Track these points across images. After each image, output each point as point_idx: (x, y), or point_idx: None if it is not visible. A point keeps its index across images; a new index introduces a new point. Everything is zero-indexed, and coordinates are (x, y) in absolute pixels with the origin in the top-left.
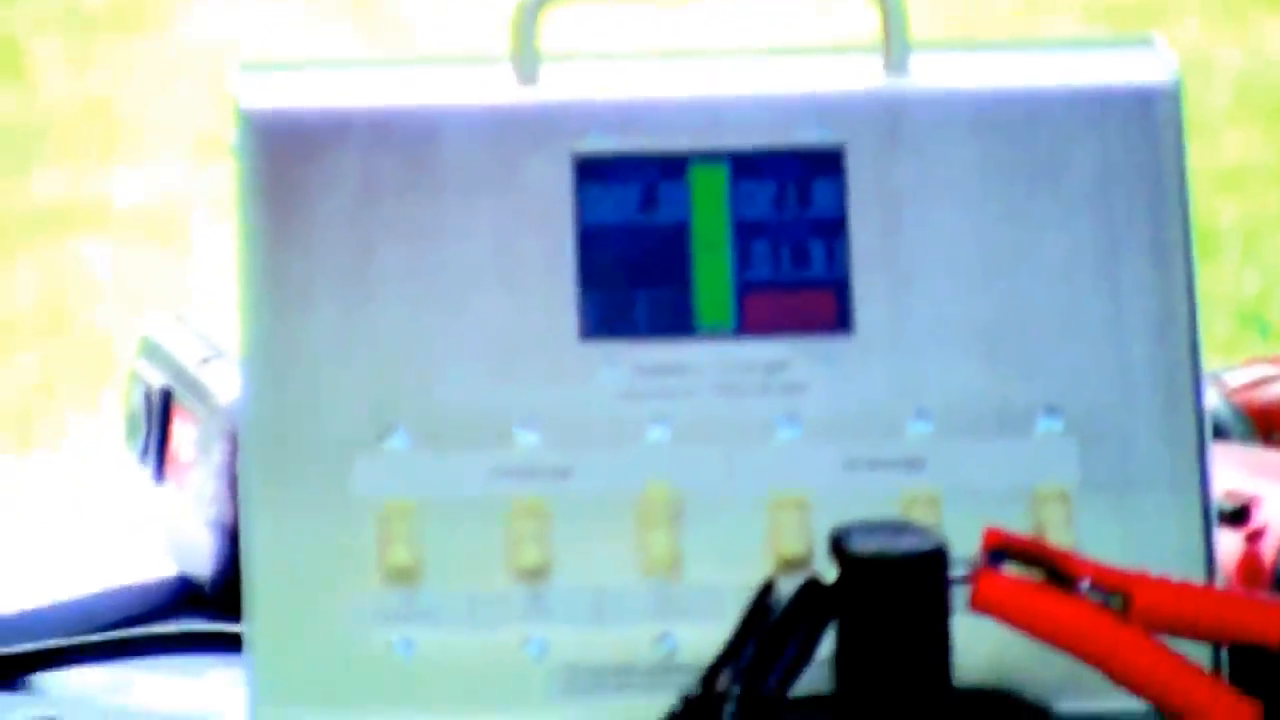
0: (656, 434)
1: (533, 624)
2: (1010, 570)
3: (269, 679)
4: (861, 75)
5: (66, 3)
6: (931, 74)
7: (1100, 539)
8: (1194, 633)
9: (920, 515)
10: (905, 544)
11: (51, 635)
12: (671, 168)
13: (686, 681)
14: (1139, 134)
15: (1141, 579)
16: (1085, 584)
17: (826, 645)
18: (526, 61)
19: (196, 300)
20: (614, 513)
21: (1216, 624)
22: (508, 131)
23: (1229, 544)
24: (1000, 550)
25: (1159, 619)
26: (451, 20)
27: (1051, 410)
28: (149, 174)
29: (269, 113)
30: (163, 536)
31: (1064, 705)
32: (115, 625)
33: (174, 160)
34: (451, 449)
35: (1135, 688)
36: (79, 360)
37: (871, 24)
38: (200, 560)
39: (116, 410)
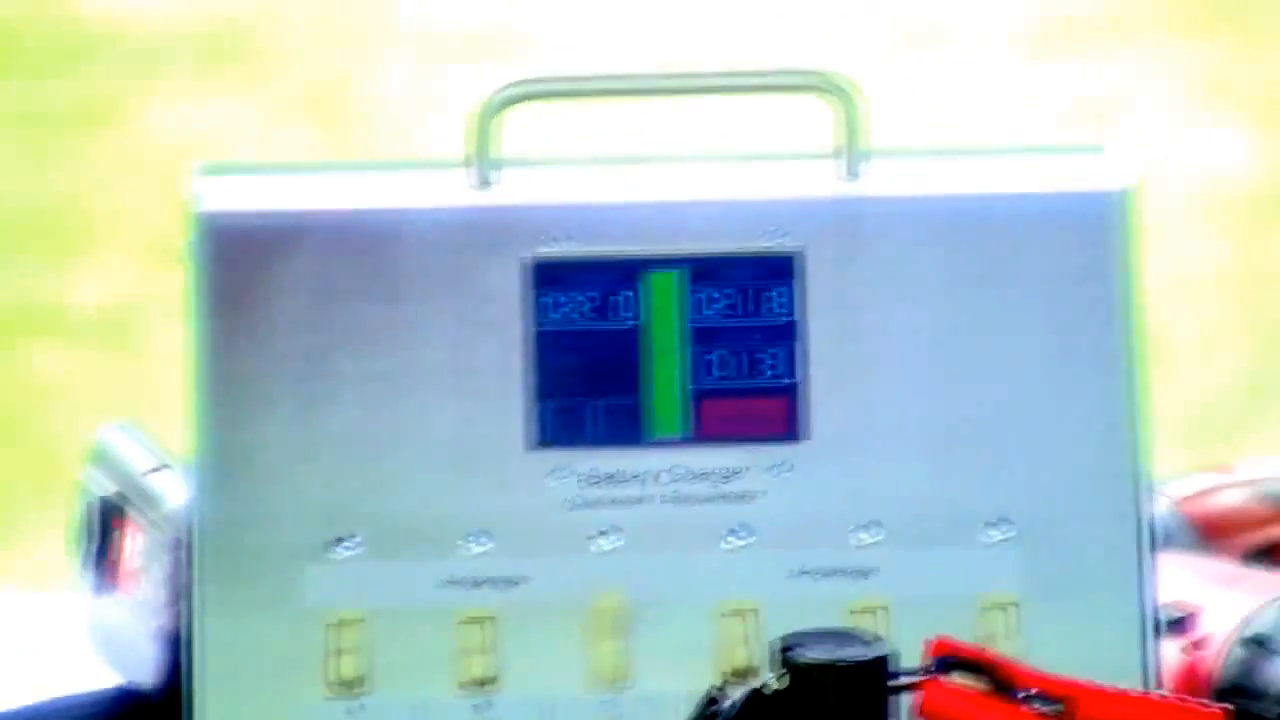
0: (607, 543)
1: None
2: (956, 679)
3: None
4: (818, 181)
5: (23, 99)
6: (887, 180)
7: (1045, 647)
8: None
9: (868, 624)
10: (851, 652)
11: None
12: (626, 273)
13: None
14: (1093, 239)
15: (1084, 688)
16: (1029, 693)
17: None
18: (483, 166)
19: (148, 407)
20: (563, 622)
21: None
22: (463, 236)
23: (1171, 653)
24: (946, 659)
25: None
26: (411, 120)
27: (999, 519)
28: (105, 277)
29: (225, 216)
30: (108, 646)
31: None
32: None
33: (128, 263)
34: (402, 558)
35: None
36: (27, 468)
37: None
38: (146, 670)
39: (63, 518)
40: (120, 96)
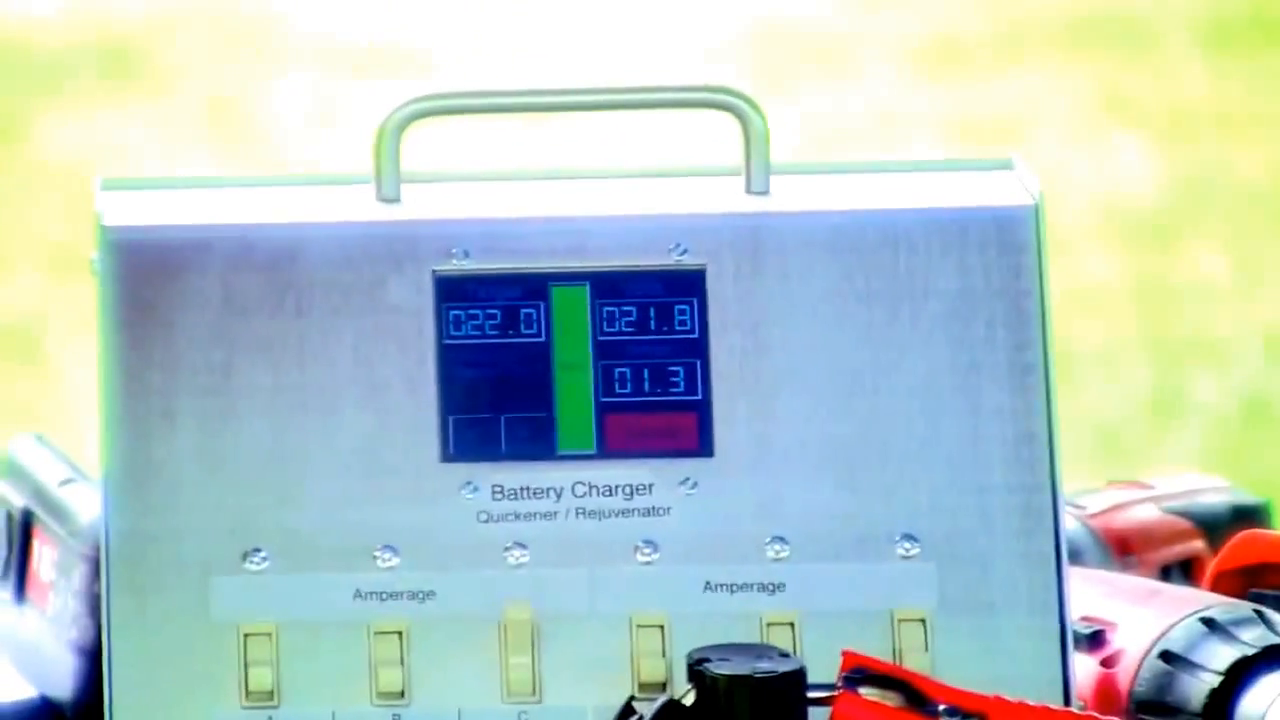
0: (517, 556)
1: None
2: (868, 693)
3: None
4: (722, 197)
5: None
6: (792, 196)
7: (958, 662)
8: None
9: (779, 638)
10: (763, 666)
11: None
12: (532, 288)
13: None
14: (999, 256)
15: (998, 702)
16: (942, 707)
17: None
18: (388, 181)
19: (56, 420)
20: (474, 635)
21: None
22: (369, 251)
23: (1085, 668)
24: (858, 673)
25: None
26: (312, 134)
27: (910, 534)
28: (6, 291)
29: (131, 230)
30: (23, 658)
31: None
32: None
33: (32, 277)
34: (312, 570)
35: None
36: None
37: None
38: (61, 683)
39: None
40: (16, 111)
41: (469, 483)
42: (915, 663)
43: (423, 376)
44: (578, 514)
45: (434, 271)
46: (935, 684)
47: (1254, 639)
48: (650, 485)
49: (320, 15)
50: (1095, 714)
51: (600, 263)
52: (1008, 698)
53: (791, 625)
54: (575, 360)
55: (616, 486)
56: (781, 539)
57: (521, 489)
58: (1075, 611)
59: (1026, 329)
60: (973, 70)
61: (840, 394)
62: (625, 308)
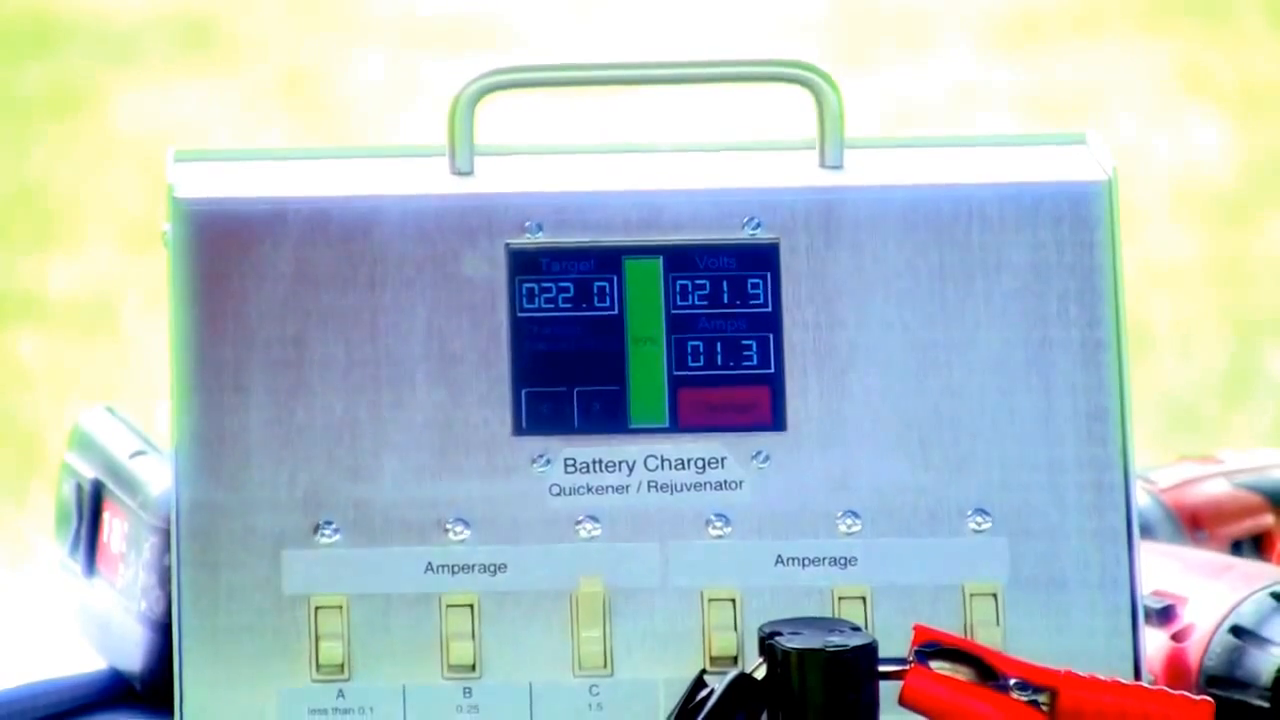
0: (589, 530)
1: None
2: (939, 667)
3: None
4: (796, 172)
5: None
6: (866, 171)
7: (1029, 636)
8: None
9: (850, 612)
10: (834, 640)
11: None
12: (606, 261)
13: None
14: (1071, 232)
15: (1069, 676)
16: (1013, 681)
17: None
18: (462, 154)
19: (127, 391)
20: (546, 608)
21: None
22: (442, 224)
23: (1155, 642)
24: (929, 647)
25: (1086, 717)
26: (388, 107)
27: (981, 509)
28: (81, 262)
29: (204, 202)
30: (93, 630)
31: None
32: None
33: (106, 248)
34: (384, 544)
35: None
36: (5, 451)
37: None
38: (131, 654)
39: (45, 502)
40: (94, 82)
41: (541, 456)
42: (986, 637)
43: (495, 350)
44: (650, 488)
45: (507, 244)
46: (1006, 658)
47: None
48: (722, 459)
49: None
50: (1166, 688)
51: (673, 236)
52: (1078, 672)
53: (863, 599)
54: (648, 334)
55: (689, 460)
56: (853, 513)
57: (594, 462)
58: (1146, 586)
59: (1099, 304)
60: (1050, 44)
61: (912, 369)
62: (698, 281)
